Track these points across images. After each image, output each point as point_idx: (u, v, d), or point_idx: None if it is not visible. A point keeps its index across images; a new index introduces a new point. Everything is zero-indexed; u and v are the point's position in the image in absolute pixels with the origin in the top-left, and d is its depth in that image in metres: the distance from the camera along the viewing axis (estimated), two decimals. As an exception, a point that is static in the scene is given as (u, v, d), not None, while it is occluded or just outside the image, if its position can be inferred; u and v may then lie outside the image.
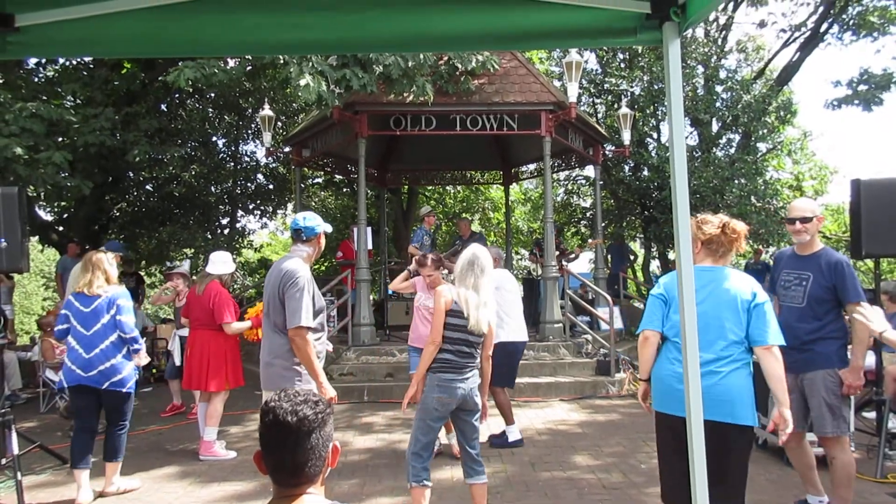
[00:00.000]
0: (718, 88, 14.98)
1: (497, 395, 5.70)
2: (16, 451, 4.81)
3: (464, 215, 19.80)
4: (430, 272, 4.90)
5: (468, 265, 3.72)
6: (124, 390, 4.62)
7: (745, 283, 3.06)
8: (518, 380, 6.45)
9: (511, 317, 5.68)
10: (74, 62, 11.22)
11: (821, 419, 3.80)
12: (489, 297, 3.74)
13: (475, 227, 20.32)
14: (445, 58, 8.90)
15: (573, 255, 12.10)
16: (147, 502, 4.64)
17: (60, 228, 12.57)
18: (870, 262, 11.68)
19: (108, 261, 4.78)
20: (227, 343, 5.84)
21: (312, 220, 3.89)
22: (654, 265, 19.13)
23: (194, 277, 7.20)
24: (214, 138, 15.79)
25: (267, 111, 10.78)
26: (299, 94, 7.18)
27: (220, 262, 6.01)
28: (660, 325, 3.09)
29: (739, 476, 2.94)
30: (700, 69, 15.02)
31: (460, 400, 3.63)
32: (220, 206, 16.43)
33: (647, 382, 3.20)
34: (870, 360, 6.35)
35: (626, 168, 15.67)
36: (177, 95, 12.94)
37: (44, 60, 11.00)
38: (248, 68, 9.81)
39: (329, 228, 4.02)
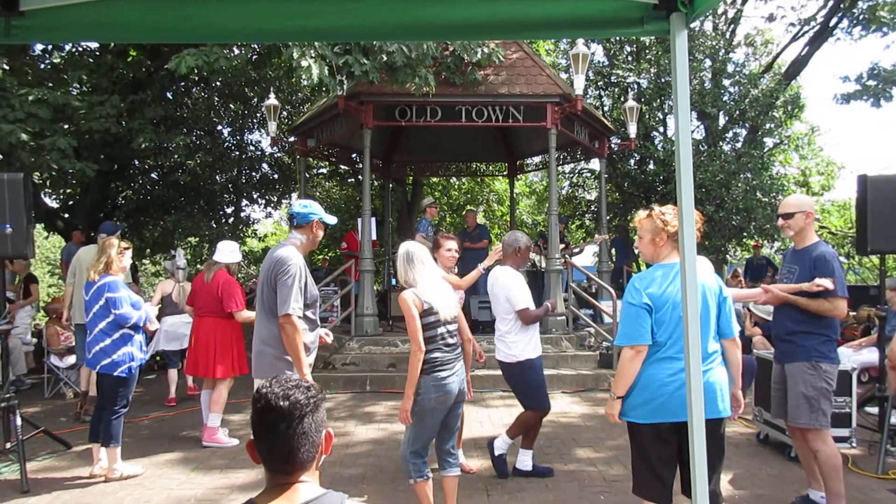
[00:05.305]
0: (726, 82, 14.88)
1: (531, 420, 4.75)
2: (20, 435, 4.86)
3: (469, 207, 19.72)
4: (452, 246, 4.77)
5: (406, 262, 3.63)
6: (114, 374, 4.71)
7: (713, 276, 3.14)
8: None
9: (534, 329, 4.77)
10: (80, 49, 11.22)
11: (796, 409, 3.86)
12: (438, 279, 3.69)
13: (479, 219, 20.21)
14: (451, 48, 8.84)
15: (577, 250, 12.07)
16: (150, 488, 4.67)
17: (66, 215, 12.59)
18: (875, 259, 11.65)
19: (115, 248, 4.83)
20: (233, 330, 5.88)
21: (307, 208, 3.80)
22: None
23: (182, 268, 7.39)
24: (220, 127, 15.82)
25: (272, 100, 10.76)
26: (301, 77, 7.15)
27: (228, 252, 6.04)
28: (649, 337, 2.91)
29: (720, 457, 3.06)
30: (708, 62, 14.91)
31: (456, 394, 3.62)
32: (225, 195, 16.45)
33: (621, 399, 3.00)
34: (873, 356, 6.38)
35: (632, 161, 15.62)
36: (182, 84, 12.92)
37: (50, 47, 11.00)
38: (254, 57, 9.78)
39: (332, 220, 3.92)
